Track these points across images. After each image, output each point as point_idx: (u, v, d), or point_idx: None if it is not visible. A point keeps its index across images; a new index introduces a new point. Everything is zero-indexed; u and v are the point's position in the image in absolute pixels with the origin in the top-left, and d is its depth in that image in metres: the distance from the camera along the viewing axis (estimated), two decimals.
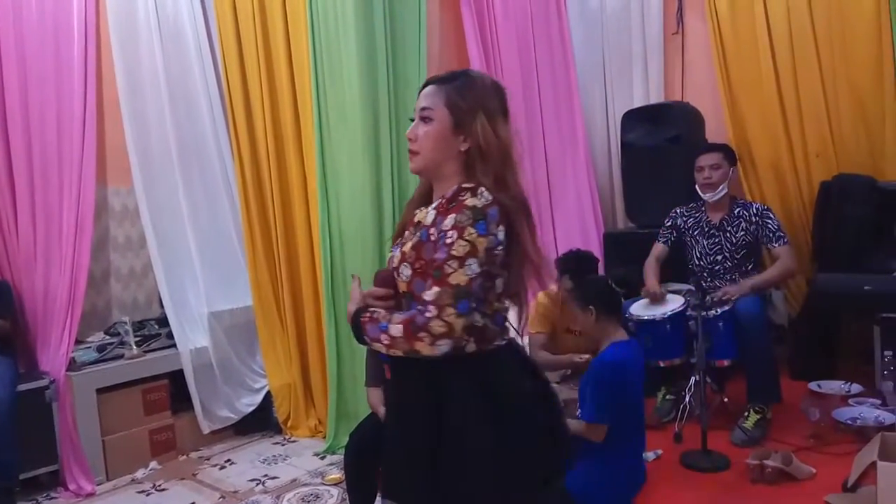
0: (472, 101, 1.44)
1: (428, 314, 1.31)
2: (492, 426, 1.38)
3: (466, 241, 1.32)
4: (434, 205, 1.46)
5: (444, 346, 1.31)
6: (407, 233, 1.50)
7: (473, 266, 1.32)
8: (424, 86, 1.51)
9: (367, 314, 1.42)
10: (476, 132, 1.43)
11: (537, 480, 1.43)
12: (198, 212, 3.93)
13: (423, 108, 1.46)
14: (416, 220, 1.48)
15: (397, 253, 1.46)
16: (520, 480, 1.40)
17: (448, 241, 1.33)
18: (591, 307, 2.34)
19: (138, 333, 3.69)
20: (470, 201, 1.35)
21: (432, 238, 1.38)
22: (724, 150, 3.40)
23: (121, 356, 3.52)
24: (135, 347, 3.56)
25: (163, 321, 3.78)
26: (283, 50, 3.67)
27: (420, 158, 1.47)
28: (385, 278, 1.48)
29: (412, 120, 1.51)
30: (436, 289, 1.32)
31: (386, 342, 1.36)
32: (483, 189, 1.38)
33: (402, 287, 1.44)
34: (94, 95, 3.50)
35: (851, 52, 3.77)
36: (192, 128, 3.99)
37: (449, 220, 1.34)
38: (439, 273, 1.32)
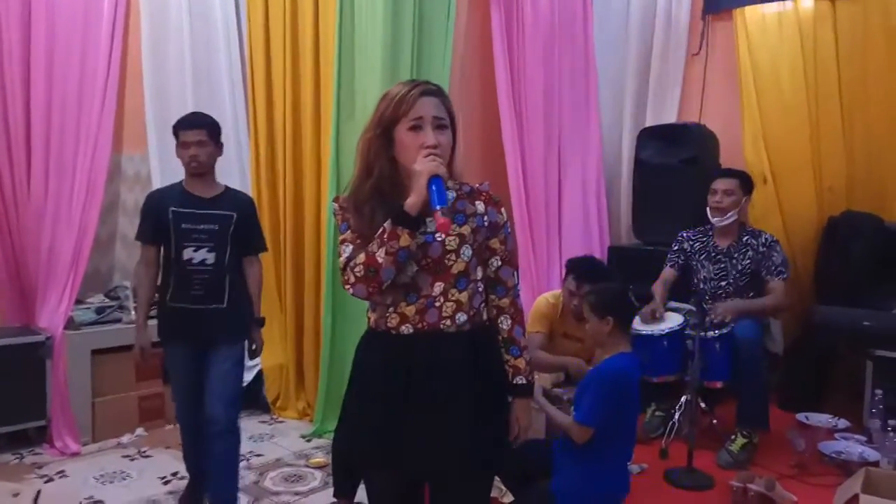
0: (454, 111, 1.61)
1: (520, 294, 1.69)
2: None
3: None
4: (465, 195, 1.61)
5: None
6: (438, 219, 1.44)
7: None
8: (420, 95, 1.51)
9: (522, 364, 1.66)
10: (457, 137, 1.61)
11: None
12: None
13: (438, 118, 1.51)
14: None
15: (452, 234, 1.54)
16: None
17: (509, 231, 1.65)
18: (609, 317, 2.27)
19: None
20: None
21: (486, 224, 1.59)
22: (742, 177, 3.38)
23: (118, 320, 3.54)
24: (133, 313, 3.56)
25: None
26: (311, 36, 3.67)
27: (443, 164, 1.49)
28: None
29: (414, 127, 1.50)
30: (516, 273, 1.68)
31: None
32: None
33: (460, 267, 1.53)
34: (119, 60, 3.53)
35: (873, 92, 3.81)
36: (212, 104, 3.99)
37: (503, 215, 1.64)
38: (513, 259, 1.67)
